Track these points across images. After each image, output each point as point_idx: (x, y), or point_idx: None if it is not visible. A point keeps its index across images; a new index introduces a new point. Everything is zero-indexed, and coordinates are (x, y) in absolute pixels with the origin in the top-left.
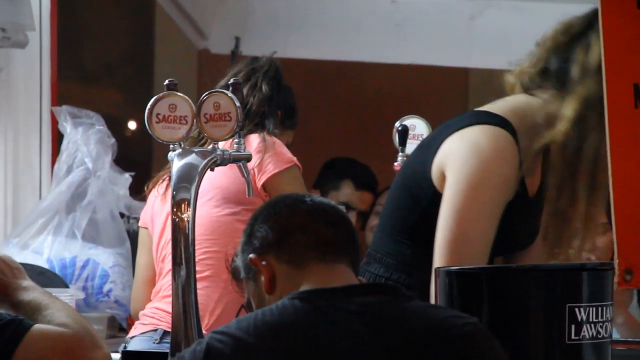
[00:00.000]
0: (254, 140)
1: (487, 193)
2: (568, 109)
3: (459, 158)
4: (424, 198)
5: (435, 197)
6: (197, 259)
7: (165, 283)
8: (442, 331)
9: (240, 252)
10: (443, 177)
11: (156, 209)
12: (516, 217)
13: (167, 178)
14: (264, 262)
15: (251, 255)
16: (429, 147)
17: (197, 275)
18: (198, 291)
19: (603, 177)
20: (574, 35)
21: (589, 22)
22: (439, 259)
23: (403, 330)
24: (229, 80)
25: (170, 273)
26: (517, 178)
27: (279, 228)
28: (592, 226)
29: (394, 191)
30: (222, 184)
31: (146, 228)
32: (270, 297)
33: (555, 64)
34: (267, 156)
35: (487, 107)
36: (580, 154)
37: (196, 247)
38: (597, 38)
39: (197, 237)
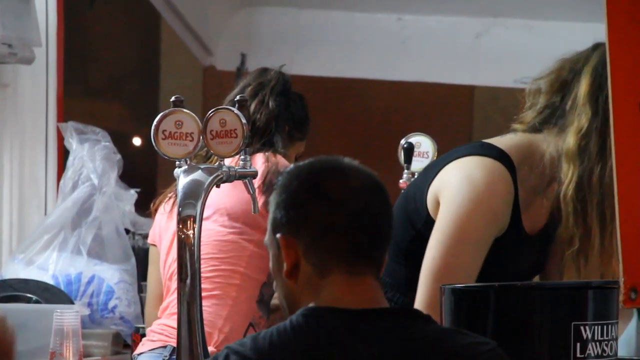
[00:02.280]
0: (258, 160)
1: (475, 226)
2: (566, 144)
3: (452, 188)
4: (418, 221)
5: (428, 222)
6: (204, 276)
7: (172, 300)
8: (462, 358)
9: (274, 204)
10: (437, 204)
11: (163, 227)
12: (506, 253)
13: (174, 196)
14: (290, 249)
15: (279, 235)
16: (428, 173)
17: (206, 293)
18: (206, 308)
19: (612, 209)
20: (568, 74)
21: (584, 58)
22: (421, 287)
23: (420, 357)
24: (236, 94)
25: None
26: (509, 214)
27: (317, 222)
28: (609, 261)
29: (395, 211)
30: (227, 204)
31: (155, 245)
32: (289, 281)
33: (554, 103)
34: (269, 178)
35: (492, 140)
36: (589, 188)
37: (204, 265)
38: (588, 70)
39: (204, 256)
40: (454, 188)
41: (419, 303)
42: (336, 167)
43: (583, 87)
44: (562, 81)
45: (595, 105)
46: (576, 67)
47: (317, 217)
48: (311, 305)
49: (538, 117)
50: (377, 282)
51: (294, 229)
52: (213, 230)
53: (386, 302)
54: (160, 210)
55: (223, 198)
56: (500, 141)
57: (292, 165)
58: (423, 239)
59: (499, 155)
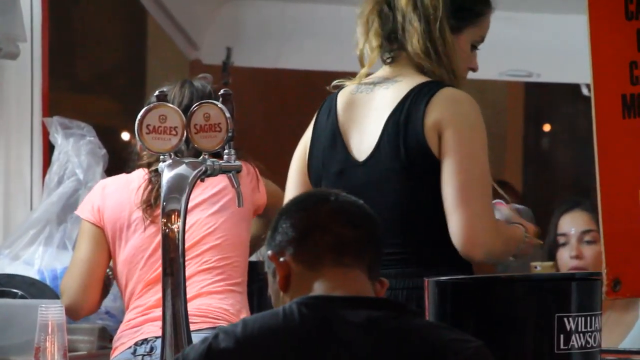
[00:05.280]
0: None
1: (484, 139)
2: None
3: (454, 116)
4: (417, 160)
5: (426, 156)
6: (231, 266)
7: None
8: (445, 355)
9: (266, 245)
10: (438, 138)
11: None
12: None
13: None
14: (281, 260)
15: (270, 252)
16: (415, 123)
17: (232, 281)
18: (235, 294)
19: None
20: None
21: None
22: (466, 201)
23: (405, 349)
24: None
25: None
26: None
27: (300, 227)
28: None
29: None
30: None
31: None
32: (285, 295)
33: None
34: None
35: (405, 83)
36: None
37: (228, 255)
38: None
39: (227, 247)
40: (454, 114)
41: (468, 220)
42: (318, 192)
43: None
44: (380, 4)
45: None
46: None
47: (299, 223)
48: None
49: (381, 51)
50: (367, 278)
51: (278, 243)
52: (233, 223)
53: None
54: (112, 188)
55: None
56: (415, 78)
57: None
58: (432, 183)
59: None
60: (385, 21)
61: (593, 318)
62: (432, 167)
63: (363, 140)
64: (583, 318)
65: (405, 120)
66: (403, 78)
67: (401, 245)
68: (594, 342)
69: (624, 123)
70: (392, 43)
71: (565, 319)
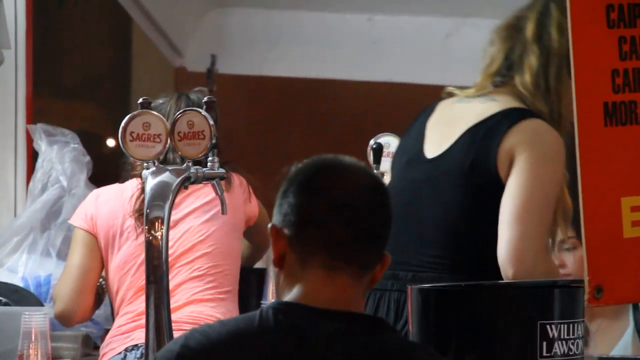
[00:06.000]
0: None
1: (559, 169)
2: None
3: (529, 143)
4: (484, 186)
5: (495, 182)
6: (222, 274)
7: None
8: None
9: (274, 213)
10: (510, 164)
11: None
12: None
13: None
14: (278, 239)
15: (269, 225)
16: (488, 142)
17: (223, 289)
18: (226, 302)
19: None
20: (515, 27)
21: (527, 7)
22: (518, 222)
23: None
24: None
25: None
26: None
27: (299, 213)
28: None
29: (455, 206)
30: (226, 216)
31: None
32: (280, 272)
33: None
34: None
35: (499, 104)
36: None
37: (219, 263)
38: (532, 16)
39: (218, 255)
40: (532, 143)
41: (519, 238)
42: (331, 164)
43: (529, 30)
44: (510, 29)
45: (540, 43)
46: (521, 14)
47: (299, 208)
48: (285, 300)
49: (496, 75)
50: (355, 282)
51: (282, 219)
52: (224, 232)
53: (361, 305)
54: (105, 197)
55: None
56: (508, 102)
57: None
58: (487, 200)
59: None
60: (509, 46)
61: (575, 325)
62: (493, 188)
63: (440, 141)
64: (565, 325)
65: (483, 135)
66: (501, 99)
67: (441, 250)
68: (577, 349)
69: (605, 131)
70: (508, 69)
71: (548, 326)
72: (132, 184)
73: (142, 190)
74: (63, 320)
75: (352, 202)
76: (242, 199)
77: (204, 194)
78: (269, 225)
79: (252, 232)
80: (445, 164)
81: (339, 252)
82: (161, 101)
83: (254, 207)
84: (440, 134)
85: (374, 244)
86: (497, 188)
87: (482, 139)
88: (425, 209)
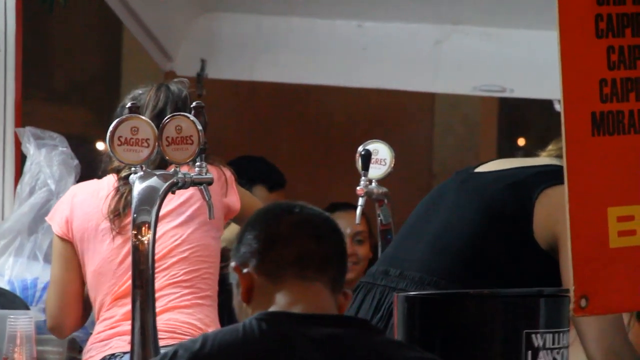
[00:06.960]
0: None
1: None
2: None
3: None
4: (514, 238)
5: (530, 246)
6: (199, 278)
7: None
8: None
9: (231, 256)
10: (552, 235)
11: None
12: None
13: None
14: (244, 271)
15: (233, 263)
16: (522, 192)
17: (201, 294)
18: (203, 308)
19: None
20: None
21: None
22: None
23: None
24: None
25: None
26: None
27: (263, 238)
28: None
29: (470, 214)
30: (204, 212)
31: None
32: (248, 307)
33: None
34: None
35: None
36: None
37: (196, 267)
38: None
39: (195, 258)
40: None
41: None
42: (283, 203)
43: None
44: None
45: None
46: None
47: (263, 235)
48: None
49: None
50: (329, 292)
51: (242, 255)
52: (201, 233)
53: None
54: (81, 197)
55: (200, 206)
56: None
57: None
58: (516, 255)
59: None
60: None
61: (561, 335)
62: (523, 238)
63: (493, 166)
64: (551, 334)
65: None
66: (547, 156)
67: (457, 275)
68: (562, 358)
69: (593, 141)
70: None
71: (533, 336)
72: (109, 182)
73: (117, 189)
74: (55, 334)
75: (314, 220)
76: (220, 194)
77: (177, 195)
78: (232, 265)
79: (242, 220)
80: (485, 178)
81: (309, 265)
82: (140, 91)
83: (233, 197)
84: (497, 164)
85: (338, 260)
86: (527, 238)
87: (512, 186)
88: (441, 210)
